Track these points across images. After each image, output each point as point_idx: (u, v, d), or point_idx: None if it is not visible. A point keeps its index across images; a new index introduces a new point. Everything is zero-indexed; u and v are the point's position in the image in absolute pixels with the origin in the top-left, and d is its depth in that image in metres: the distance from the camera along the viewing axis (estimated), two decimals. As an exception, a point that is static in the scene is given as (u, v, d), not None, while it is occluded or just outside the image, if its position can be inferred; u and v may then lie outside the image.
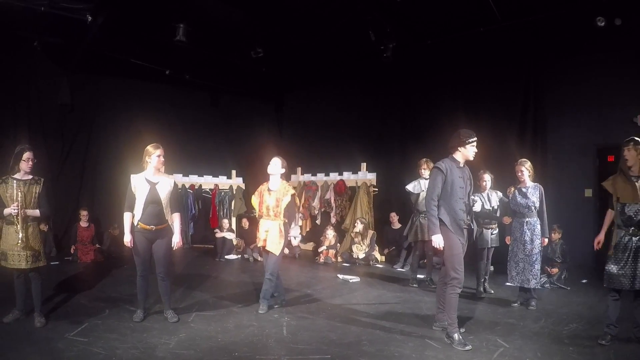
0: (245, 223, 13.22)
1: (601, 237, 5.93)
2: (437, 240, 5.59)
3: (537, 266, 7.19)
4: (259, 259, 10.91)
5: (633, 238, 5.45)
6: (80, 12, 9.31)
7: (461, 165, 5.77)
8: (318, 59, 12.85)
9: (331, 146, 14.44)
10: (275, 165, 7.01)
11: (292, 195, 7.06)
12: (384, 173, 13.18)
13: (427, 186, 6.03)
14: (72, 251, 11.11)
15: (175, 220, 6.32)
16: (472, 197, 5.85)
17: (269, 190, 7.06)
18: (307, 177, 14.57)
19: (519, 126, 11.32)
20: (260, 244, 7.06)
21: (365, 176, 13.18)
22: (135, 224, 6.12)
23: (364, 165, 13.29)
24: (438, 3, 9.38)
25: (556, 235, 9.13)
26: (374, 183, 12.97)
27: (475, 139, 5.71)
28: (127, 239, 6.14)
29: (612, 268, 5.53)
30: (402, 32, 10.64)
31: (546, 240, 7.41)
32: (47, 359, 4.88)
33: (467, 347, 5.36)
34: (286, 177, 14.82)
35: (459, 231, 5.65)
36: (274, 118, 17.08)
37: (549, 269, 8.83)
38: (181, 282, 8.69)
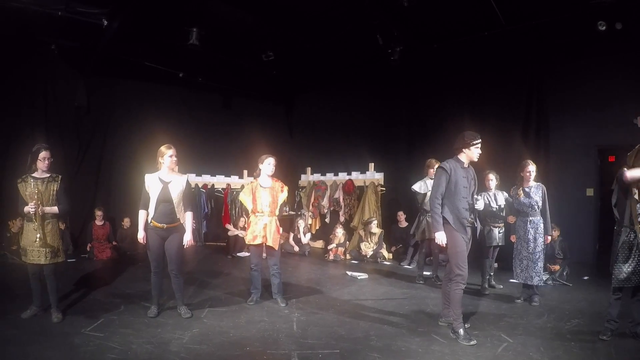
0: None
1: None
2: (440, 237, 5.64)
3: (540, 264, 7.18)
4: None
5: (639, 235, 5.35)
6: (96, 16, 9.36)
7: (465, 165, 5.82)
8: (327, 62, 12.83)
9: (340, 147, 14.43)
10: (273, 165, 7.10)
11: (287, 191, 7.29)
12: (391, 173, 13.18)
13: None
14: (88, 249, 11.16)
15: (187, 219, 6.33)
16: (475, 196, 5.87)
17: (261, 187, 7.10)
18: (317, 177, 14.63)
19: (522, 127, 11.26)
20: (258, 240, 6.99)
21: (373, 176, 13.21)
22: (149, 222, 6.15)
23: (371, 165, 13.34)
24: (444, 8, 9.35)
25: (555, 234, 9.11)
26: (382, 182, 13.01)
27: (479, 141, 5.75)
28: (140, 235, 6.19)
29: (622, 267, 5.45)
30: (409, 35, 10.60)
31: (549, 238, 7.39)
32: (64, 353, 4.89)
33: (472, 342, 5.36)
34: (297, 177, 15.11)
35: (462, 229, 5.68)
36: (285, 119, 17.09)
37: (550, 267, 8.80)
38: (194, 279, 8.72)
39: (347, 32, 10.38)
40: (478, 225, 6.02)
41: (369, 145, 13.69)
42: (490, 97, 11.69)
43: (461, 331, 5.51)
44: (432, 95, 12.77)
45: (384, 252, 11.93)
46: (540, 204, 7.22)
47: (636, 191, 5.35)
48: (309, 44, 11.31)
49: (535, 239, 7.20)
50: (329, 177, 14.33)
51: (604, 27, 8.92)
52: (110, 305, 6.79)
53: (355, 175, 13.62)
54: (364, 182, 13.28)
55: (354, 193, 13.46)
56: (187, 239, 6.31)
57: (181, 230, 6.28)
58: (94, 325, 5.79)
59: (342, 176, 13.95)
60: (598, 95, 10.49)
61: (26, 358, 4.71)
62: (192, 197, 9.76)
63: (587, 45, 10.10)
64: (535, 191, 7.23)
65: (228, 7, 9.47)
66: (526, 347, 5.26)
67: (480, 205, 5.88)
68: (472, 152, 5.74)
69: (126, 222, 12.06)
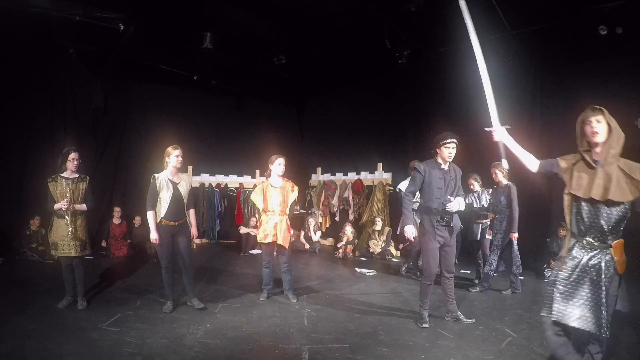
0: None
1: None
2: (409, 230, 5.82)
3: (494, 256, 7.68)
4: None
5: (584, 256, 3.72)
6: (113, 21, 9.41)
7: (443, 167, 5.90)
8: (337, 66, 12.81)
9: (349, 147, 14.40)
10: (283, 165, 7.13)
11: (297, 191, 7.34)
12: (399, 173, 13.09)
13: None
14: (103, 245, 11.23)
15: (191, 215, 6.56)
16: (449, 197, 5.85)
17: (271, 187, 7.13)
18: (327, 177, 14.62)
19: (526, 128, 11.17)
20: (269, 239, 7.00)
21: (381, 175, 13.19)
22: (159, 220, 6.23)
23: (380, 165, 13.31)
24: (450, 13, 9.32)
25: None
26: (390, 182, 12.97)
27: (448, 140, 5.84)
28: (154, 236, 6.21)
29: (557, 295, 3.71)
30: (416, 40, 10.59)
31: (515, 235, 7.52)
32: (82, 347, 4.91)
33: (424, 325, 5.80)
34: (307, 176, 15.09)
35: (432, 228, 5.81)
36: (296, 121, 17.07)
37: (553, 263, 8.78)
38: (208, 276, 8.75)
39: (357, 36, 10.37)
40: (456, 225, 6.01)
41: (378, 146, 13.65)
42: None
43: (424, 314, 5.94)
44: (438, 97, 12.72)
45: (392, 249, 11.90)
46: (503, 203, 7.54)
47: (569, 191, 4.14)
48: (320, 48, 11.31)
49: (495, 234, 7.73)
50: (339, 176, 14.32)
51: (605, 32, 8.95)
52: (127, 300, 6.84)
53: (364, 175, 13.61)
54: (373, 182, 13.26)
55: (363, 192, 13.44)
56: (193, 232, 6.59)
57: (187, 225, 6.49)
58: (111, 320, 5.82)
59: (352, 176, 13.94)
60: (599, 97, 10.38)
61: (45, 352, 4.73)
62: (195, 194, 9.86)
63: (589, 49, 10.06)
64: (501, 191, 7.62)
65: (241, 12, 9.48)
66: (530, 342, 5.26)
67: (452, 207, 5.76)
68: (443, 152, 5.84)
69: (137, 220, 12.06)
